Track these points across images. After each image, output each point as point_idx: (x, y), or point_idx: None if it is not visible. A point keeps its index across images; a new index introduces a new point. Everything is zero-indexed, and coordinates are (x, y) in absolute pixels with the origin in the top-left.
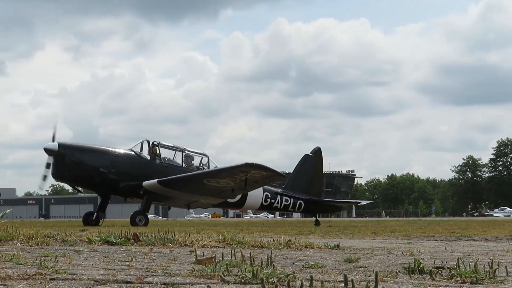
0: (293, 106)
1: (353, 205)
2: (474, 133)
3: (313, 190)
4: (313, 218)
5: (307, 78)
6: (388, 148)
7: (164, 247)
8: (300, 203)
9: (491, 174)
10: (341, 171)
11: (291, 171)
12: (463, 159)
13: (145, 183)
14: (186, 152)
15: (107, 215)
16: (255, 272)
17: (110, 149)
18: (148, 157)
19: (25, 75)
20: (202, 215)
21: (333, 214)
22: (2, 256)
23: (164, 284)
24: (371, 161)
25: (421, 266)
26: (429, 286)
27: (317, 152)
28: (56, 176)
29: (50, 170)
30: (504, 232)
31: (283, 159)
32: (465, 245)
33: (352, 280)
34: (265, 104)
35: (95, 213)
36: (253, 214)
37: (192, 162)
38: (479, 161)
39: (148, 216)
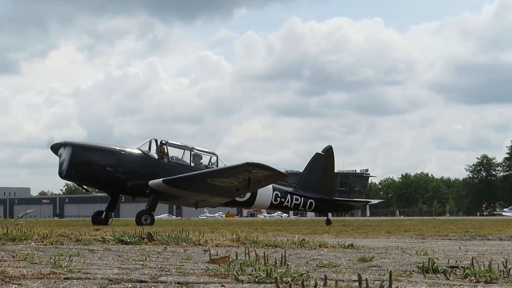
0: (307, 105)
1: (367, 205)
2: (488, 132)
3: (324, 189)
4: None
5: (321, 77)
6: (402, 147)
7: (178, 246)
8: (311, 202)
9: (505, 173)
10: (355, 170)
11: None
12: (477, 158)
13: (151, 182)
14: (195, 151)
15: (121, 215)
16: (269, 271)
17: (117, 148)
18: (156, 156)
19: (39, 75)
20: (216, 214)
21: (347, 213)
22: (17, 255)
23: (178, 283)
24: (385, 160)
25: (435, 265)
26: (443, 285)
27: (328, 151)
28: (63, 175)
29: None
30: None
31: (297, 158)
32: (479, 244)
33: (366, 280)
34: (279, 103)
35: (104, 212)
36: (267, 214)
37: (201, 161)
38: (493, 160)
39: (162, 215)
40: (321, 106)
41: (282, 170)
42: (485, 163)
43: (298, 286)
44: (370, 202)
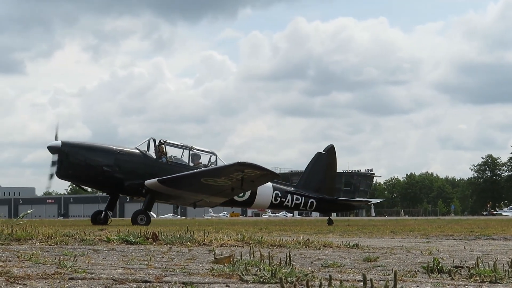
0: (312, 105)
1: (368, 204)
2: (493, 132)
3: (326, 188)
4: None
5: (325, 77)
6: (407, 147)
7: (183, 246)
8: (312, 202)
9: (510, 173)
10: (360, 170)
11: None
12: (482, 158)
13: (147, 182)
14: (194, 150)
15: (126, 214)
16: (273, 271)
17: (115, 147)
18: (154, 156)
19: (44, 75)
20: (220, 214)
21: (351, 213)
22: (22, 255)
23: (183, 283)
24: (390, 160)
25: (440, 265)
26: (448, 285)
27: (330, 150)
28: (60, 174)
29: (54, 167)
30: None
31: (302, 158)
32: (484, 244)
33: (371, 280)
34: (284, 103)
35: (104, 212)
36: (272, 213)
37: (200, 160)
38: (498, 160)
39: (166, 215)
40: (325, 106)
41: (287, 170)
42: (490, 163)
43: (303, 286)
44: (371, 201)
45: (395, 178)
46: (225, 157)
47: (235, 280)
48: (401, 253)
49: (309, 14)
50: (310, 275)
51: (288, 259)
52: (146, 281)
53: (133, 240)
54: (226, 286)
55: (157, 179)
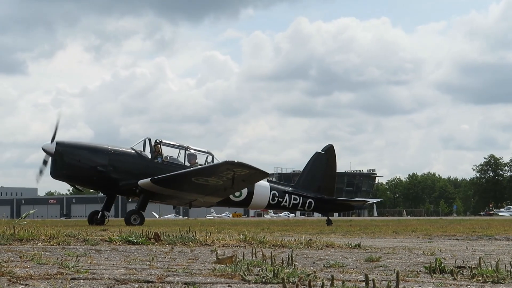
0: (314, 105)
1: (374, 205)
2: (495, 132)
3: (325, 188)
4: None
5: (327, 77)
6: (409, 147)
7: (185, 246)
8: (310, 202)
9: None
10: (362, 170)
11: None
12: (485, 158)
13: (140, 181)
14: (190, 150)
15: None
16: (276, 271)
17: (109, 147)
18: (149, 156)
19: (46, 75)
20: (223, 215)
21: (354, 213)
22: (24, 255)
23: (185, 283)
24: (392, 160)
25: (442, 265)
26: (450, 285)
27: (329, 150)
28: (54, 175)
29: (46, 166)
30: None
31: (304, 158)
32: (486, 245)
33: (373, 280)
34: (286, 103)
35: (100, 212)
36: (274, 214)
37: (196, 160)
38: (500, 160)
39: (169, 216)
40: (328, 106)
41: (289, 170)
42: (492, 163)
43: (305, 286)
44: (368, 201)
45: (397, 178)
46: (228, 157)
47: (237, 280)
48: (403, 253)
49: (311, 14)
50: (312, 275)
51: (290, 259)
52: (148, 281)
53: (135, 241)
54: (228, 286)
55: (150, 178)
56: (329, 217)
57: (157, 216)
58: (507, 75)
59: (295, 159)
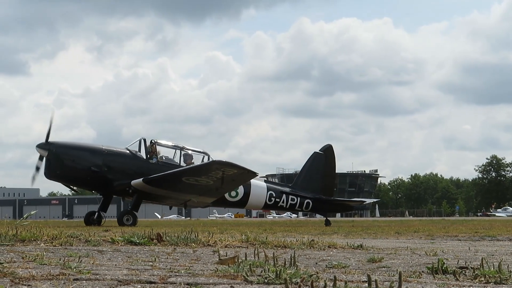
0: (316, 106)
1: (376, 205)
2: (497, 132)
3: (323, 188)
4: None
5: (330, 78)
6: (411, 147)
7: (187, 247)
8: (308, 202)
9: None
10: (364, 171)
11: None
12: (487, 158)
13: (133, 182)
14: (185, 150)
15: None
16: (278, 272)
17: (104, 148)
18: (144, 156)
19: (48, 76)
20: (225, 215)
21: (356, 213)
22: (26, 256)
23: (188, 284)
24: (395, 161)
25: (445, 266)
26: (453, 286)
27: (327, 150)
28: (48, 175)
29: (42, 162)
30: None
31: (306, 158)
32: (488, 245)
33: (375, 280)
34: (288, 104)
35: (97, 213)
36: (276, 214)
37: (192, 160)
38: (503, 161)
39: (171, 216)
40: (330, 107)
41: (291, 171)
42: (494, 164)
43: (307, 287)
44: (365, 201)
45: (400, 179)
46: (230, 158)
47: (240, 281)
48: (405, 254)
49: (313, 15)
50: (315, 276)
51: (292, 260)
52: (150, 282)
53: (138, 241)
54: (231, 287)
55: (142, 179)
56: (328, 218)
57: (159, 217)
58: (509, 75)
59: (297, 159)
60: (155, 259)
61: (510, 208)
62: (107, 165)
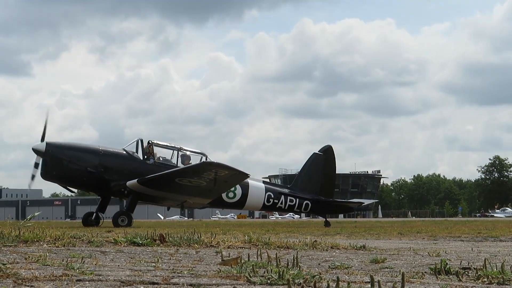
0: (319, 106)
1: (379, 206)
2: (500, 133)
3: (323, 190)
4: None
5: (332, 78)
6: (414, 148)
7: (190, 248)
8: (307, 204)
9: None
10: (367, 172)
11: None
12: (490, 159)
13: (128, 182)
14: (183, 151)
15: (133, 216)
16: (281, 273)
17: (100, 148)
18: (141, 157)
19: (51, 76)
20: (228, 216)
21: (359, 214)
22: (29, 257)
23: (190, 285)
24: (397, 161)
25: (448, 266)
26: (456, 287)
27: (327, 151)
28: (44, 175)
29: (38, 170)
30: None
31: None
32: (491, 246)
33: (378, 281)
34: (291, 105)
35: (95, 213)
36: (279, 215)
37: (190, 161)
38: (505, 161)
39: (174, 217)
40: (332, 107)
41: (294, 172)
42: (497, 164)
43: (310, 287)
44: (364, 203)
45: (402, 180)
46: (232, 159)
47: (243, 281)
48: (408, 255)
49: (315, 16)
50: (318, 276)
51: (295, 261)
52: (153, 283)
53: (141, 242)
54: (234, 287)
55: (136, 180)
56: (327, 219)
57: (162, 218)
58: (511, 76)
59: (300, 160)
60: (158, 260)
61: (508, 209)
62: (104, 166)
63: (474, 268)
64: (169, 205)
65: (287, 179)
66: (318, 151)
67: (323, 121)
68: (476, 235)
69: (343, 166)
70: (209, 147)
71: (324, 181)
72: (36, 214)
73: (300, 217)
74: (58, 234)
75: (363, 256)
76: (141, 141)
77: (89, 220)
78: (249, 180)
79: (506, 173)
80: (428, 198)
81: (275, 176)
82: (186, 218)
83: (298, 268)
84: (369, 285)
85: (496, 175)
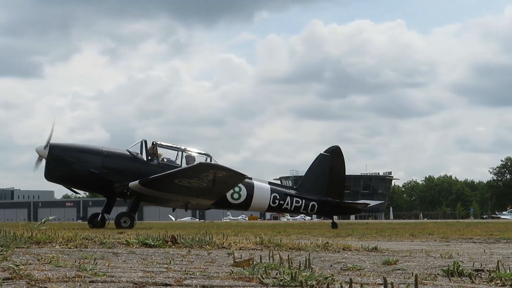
0: (329, 108)
1: (391, 207)
2: (511, 134)
3: (330, 191)
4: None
5: (342, 80)
6: (425, 149)
7: (202, 249)
8: (313, 205)
9: None
10: (378, 173)
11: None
12: (501, 160)
13: (130, 184)
14: (187, 152)
15: (144, 217)
16: (293, 274)
17: (104, 149)
18: (145, 158)
19: (62, 78)
20: (239, 217)
21: (370, 215)
22: (42, 258)
23: (203, 286)
24: (408, 163)
25: (460, 268)
26: None
27: (334, 151)
28: (48, 177)
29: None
30: None
31: None
32: (504, 248)
33: (391, 283)
34: (301, 106)
35: (100, 215)
36: (290, 217)
37: (194, 162)
38: None
39: (185, 219)
40: (343, 109)
41: (303, 174)
42: (509, 166)
43: None
44: (369, 204)
45: (414, 181)
46: (243, 160)
47: (255, 283)
48: (420, 256)
49: (325, 17)
50: (330, 278)
51: (307, 262)
52: (166, 284)
53: (152, 243)
54: None
55: (138, 180)
56: (334, 220)
57: (174, 219)
58: None
59: (310, 161)
60: (170, 261)
61: None
62: (107, 167)
63: (487, 270)
64: (172, 206)
65: (298, 180)
66: (324, 152)
67: (333, 122)
68: (488, 237)
69: (354, 167)
70: (219, 148)
71: (331, 182)
72: (50, 218)
73: (311, 219)
74: (70, 235)
75: (375, 257)
76: (145, 142)
77: (94, 221)
78: (254, 181)
79: None
80: (439, 199)
81: (286, 178)
82: (197, 220)
83: (310, 270)
84: (382, 287)
85: (508, 176)
